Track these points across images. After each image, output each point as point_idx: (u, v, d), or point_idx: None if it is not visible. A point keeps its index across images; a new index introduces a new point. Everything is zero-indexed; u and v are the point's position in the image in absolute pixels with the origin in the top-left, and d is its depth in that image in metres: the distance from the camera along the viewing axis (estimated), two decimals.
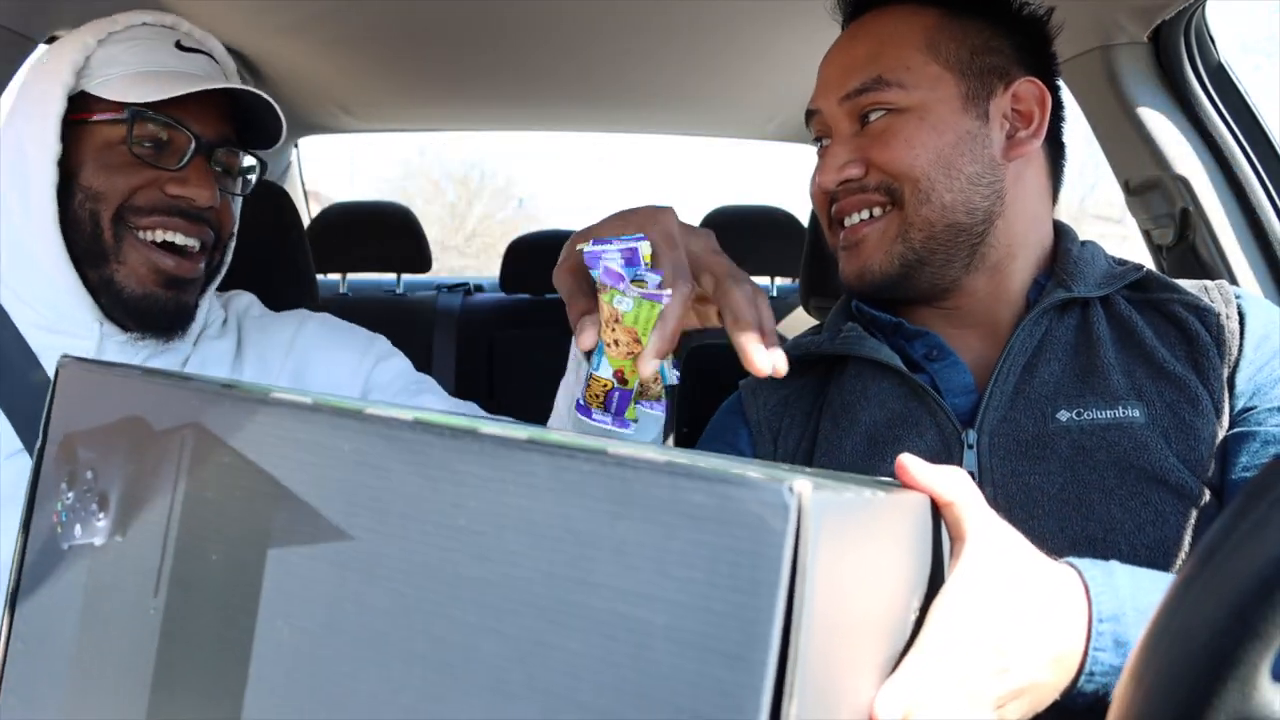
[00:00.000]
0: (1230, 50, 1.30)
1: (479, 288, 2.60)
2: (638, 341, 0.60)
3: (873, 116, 0.80)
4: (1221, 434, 0.73)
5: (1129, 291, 0.81)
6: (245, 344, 0.97)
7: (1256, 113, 1.30)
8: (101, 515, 0.41)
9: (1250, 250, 1.29)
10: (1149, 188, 1.35)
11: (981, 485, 0.73)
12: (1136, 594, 0.52)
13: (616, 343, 0.61)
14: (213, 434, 0.38)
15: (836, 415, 0.82)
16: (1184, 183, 1.29)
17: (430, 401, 0.98)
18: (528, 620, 0.29)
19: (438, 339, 2.32)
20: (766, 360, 0.59)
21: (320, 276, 2.36)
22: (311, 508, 0.34)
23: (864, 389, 0.81)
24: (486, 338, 2.33)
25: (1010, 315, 0.82)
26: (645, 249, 0.60)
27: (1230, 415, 0.74)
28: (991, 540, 0.48)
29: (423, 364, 1.00)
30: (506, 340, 2.32)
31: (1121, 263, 0.84)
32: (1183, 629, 0.28)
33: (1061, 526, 0.71)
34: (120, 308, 0.87)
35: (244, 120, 0.94)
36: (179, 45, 0.92)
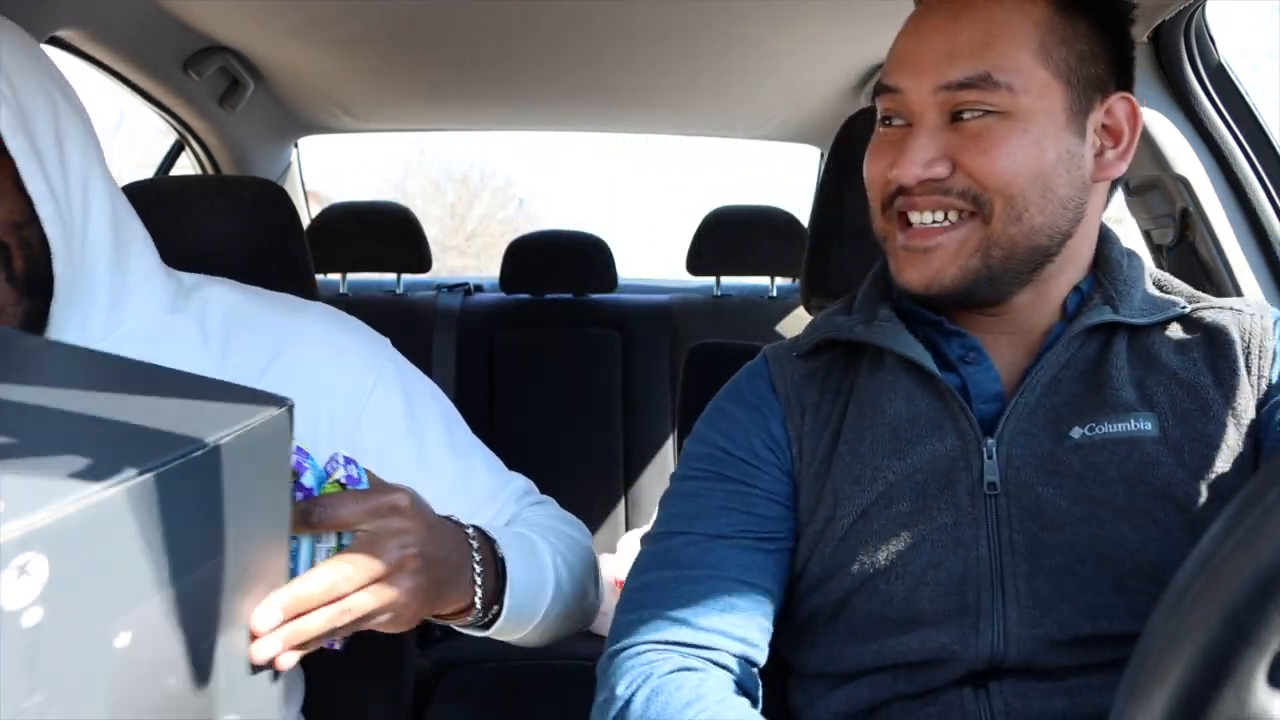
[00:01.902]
0: (1230, 49, 1.30)
1: (479, 288, 2.60)
2: None
3: (967, 114, 0.72)
4: (1242, 433, 0.71)
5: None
6: None
7: (1256, 112, 1.30)
8: None
9: (1250, 250, 1.29)
10: (1149, 188, 1.35)
11: (999, 495, 0.72)
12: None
13: None
14: None
15: (863, 404, 0.79)
16: (1184, 183, 1.29)
17: None
18: None
19: (438, 339, 2.32)
20: (265, 627, 0.54)
21: (320, 276, 2.36)
22: None
23: (893, 381, 0.78)
24: (487, 338, 2.33)
25: (1046, 322, 0.78)
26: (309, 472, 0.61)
27: (1257, 412, 0.72)
28: None
29: (423, 364, 0.98)
30: (507, 340, 2.32)
31: (1160, 286, 0.80)
32: (1179, 636, 0.28)
33: (1070, 542, 0.70)
34: None
35: None
36: None
